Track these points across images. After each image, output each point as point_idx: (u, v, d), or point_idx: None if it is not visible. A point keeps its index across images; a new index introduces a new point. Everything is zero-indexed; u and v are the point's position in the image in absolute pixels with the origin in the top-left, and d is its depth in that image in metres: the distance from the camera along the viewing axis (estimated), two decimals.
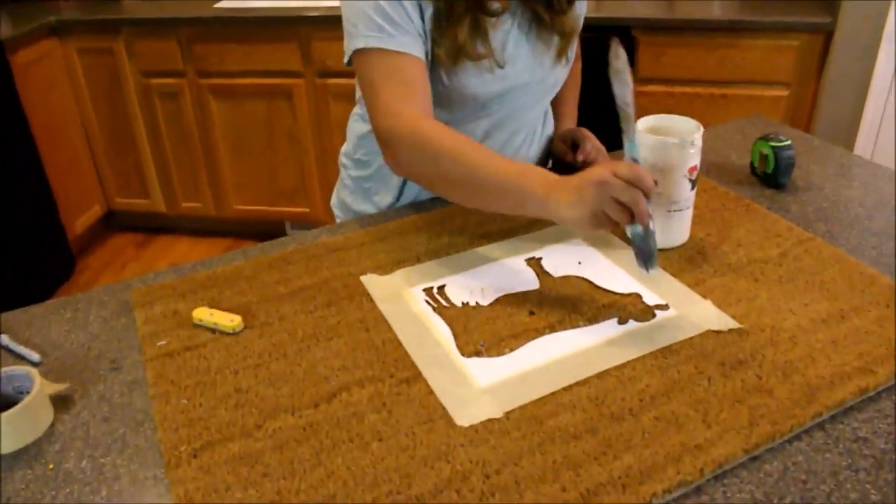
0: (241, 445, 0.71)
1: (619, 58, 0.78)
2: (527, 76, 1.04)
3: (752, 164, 1.18)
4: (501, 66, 0.99)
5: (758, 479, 0.68)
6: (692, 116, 0.97)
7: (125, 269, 2.77)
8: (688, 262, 0.96)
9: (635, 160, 0.79)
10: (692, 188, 0.95)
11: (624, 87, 0.77)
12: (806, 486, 0.67)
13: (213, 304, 0.90)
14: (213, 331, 0.85)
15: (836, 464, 0.69)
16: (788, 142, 1.11)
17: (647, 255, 0.81)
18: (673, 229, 0.97)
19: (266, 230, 2.87)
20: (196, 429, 0.73)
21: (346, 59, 0.96)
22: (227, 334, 0.85)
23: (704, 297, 0.89)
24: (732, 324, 0.84)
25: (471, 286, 0.90)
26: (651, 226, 0.78)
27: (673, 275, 0.93)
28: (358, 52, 0.93)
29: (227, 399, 0.76)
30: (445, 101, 0.99)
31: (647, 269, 0.81)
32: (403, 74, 0.90)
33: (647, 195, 0.75)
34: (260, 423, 0.73)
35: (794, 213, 1.08)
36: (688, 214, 0.96)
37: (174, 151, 2.76)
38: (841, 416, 0.74)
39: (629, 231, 0.79)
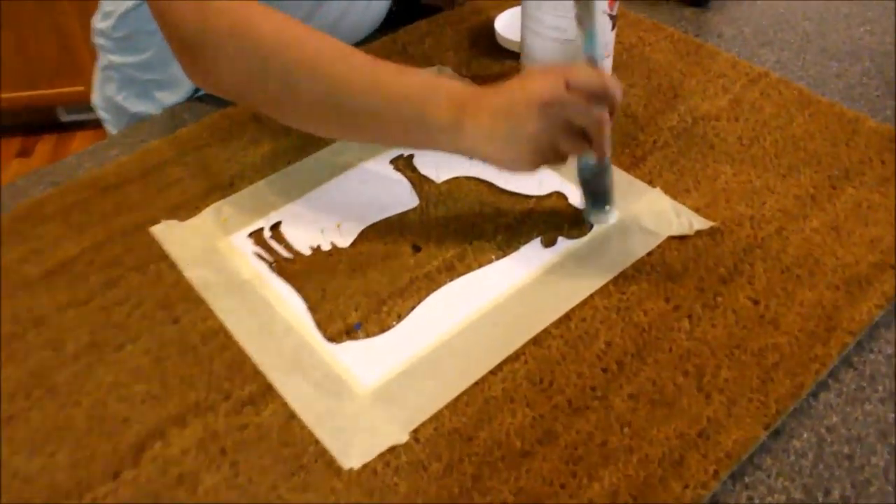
0: None
1: None
2: None
3: None
4: None
5: (789, 466, 0.53)
6: None
7: None
8: (615, 131, 0.77)
9: (593, 60, 0.60)
10: (613, 27, 0.74)
11: None
12: (853, 464, 0.53)
13: None
14: None
15: (883, 416, 0.55)
16: None
17: (600, 195, 0.67)
18: None
19: (34, 121, 2.44)
20: None
21: None
22: None
23: (651, 183, 0.73)
24: (700, 222, 0.69)
25: (319, 218, 0.70)
26: (607, 160, 0.65)
27: None
28: None
29: None
30: None
31: (598, 217, 0.68)
32: None
33: (612, 112, 0.59)
34: None
35: (730, 39, 0.93)
36: (608, 65, 0.75)
37: None
38: (867, 340, 0.60)
39: (579, 165, 0.65)
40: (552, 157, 0.61)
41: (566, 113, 0.58)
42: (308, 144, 0.78)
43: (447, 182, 0.74)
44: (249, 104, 0.75)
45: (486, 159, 0.63)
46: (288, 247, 0.68)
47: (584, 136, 0.60)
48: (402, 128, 0.63)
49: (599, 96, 0.58)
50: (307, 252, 0.67)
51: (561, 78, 0.58)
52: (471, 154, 0.63)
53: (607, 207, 0.68)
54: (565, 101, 0.58)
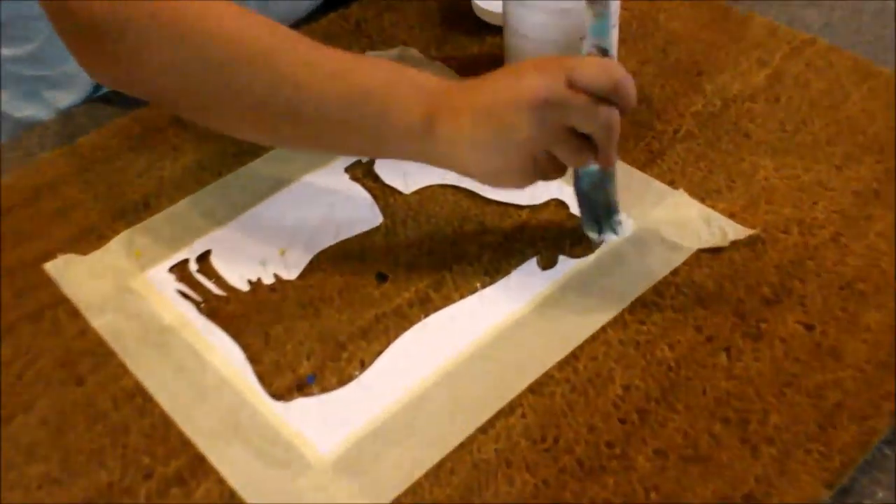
0: None
1: None
2: None
3: None
4: None
5: None
6: None
7: None
8: (627, 121, 0.79)
9: (603, 50, 0.62)
10: None
11: None
12: None
13: None
14: None
15: None
16: None
17: (603, 208, 0.68)
18: None
19: None
20: None
21: None
22: None
23: (672, 184, 0.74)
24: (736, 230, 0.70)
25: (258, 245, 0.72)
26: (612, 171, 0.67)
27: None
28: None
29: None
30: None
31: (603, 234, 0.70)
32: None
33: (623, 113, 0.59)
34: None
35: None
36: (614, 39, 0.77)
37: None
38: None
39: (577, 174, 0.67)
40: (548, 169, 0.62)
41: (567, 117, 0.58)
42: (243, 152, 0.79)
43: (417, 193, 0.75)
44: (172, 105, 0.75)
45: (464, 172, 0.63)
46: (220, 282, 0.69)
47: (587, 144, 0.60)
48: (359, 132, 0.63)
49: (609, 94, 0.58)
50: (244, 288, 0.68)
51: (561, 73, 0.58)
52: (445, 164, 0.63)
53: (617, 219, 0.69)
54: (567, 102, 0.57)
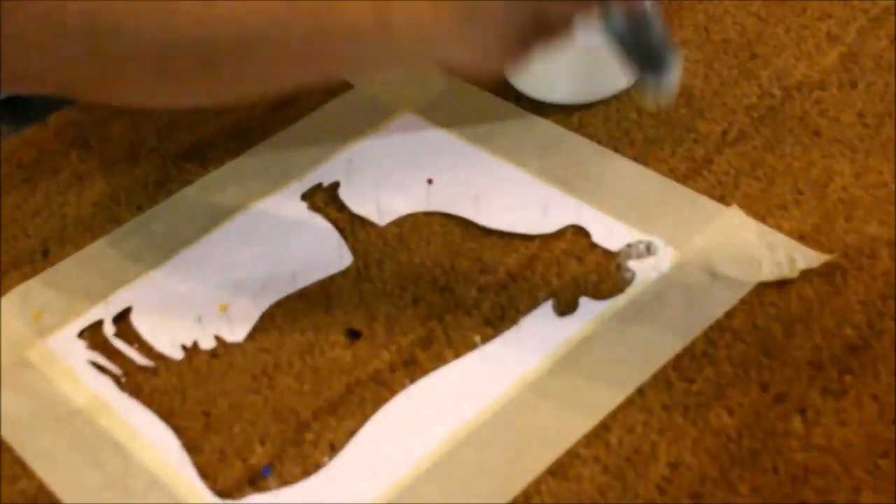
0: None
1: None
2: None
3: None
4: None
5: None
6: None
7: None
8: (663, 123, 0.81)
9: None
10: None
11: None
12: None
13: None
14: None
15: None
16: None
17: (655, 51, 0.64)
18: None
19: None
20: None
21: None
22: None
23: (723, 200, 0.75)
24: (808, 257, 0.70)
25: (193, 297, 0.73)
26: (650, 6, 0.63)
27: (634, 158, 0.80)
28: None
29: None
30: None
31: (663, 83, 0.64)
32: None
33: None
34: None
35: None
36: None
37: None
38: None
39: (602, 28, 0.63)
40: (541, 28, 0.61)
41: None
42: (168, 179, 0.80)
43: (396, 223, 0.76)
44: (38, 80, 0.74)
45: (440, 61, 0.64)
46: (145, 349, 0.70)
47: None
48: (301, 49, 0.65)
49: None
50: (177, 355, 0.69)
51: None
52: (408, 59, 0.65)
53: (671, 62, 0.65)
54: None
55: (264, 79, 0.68)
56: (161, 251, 0.75)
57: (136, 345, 0.70)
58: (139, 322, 0.71)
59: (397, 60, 0.65)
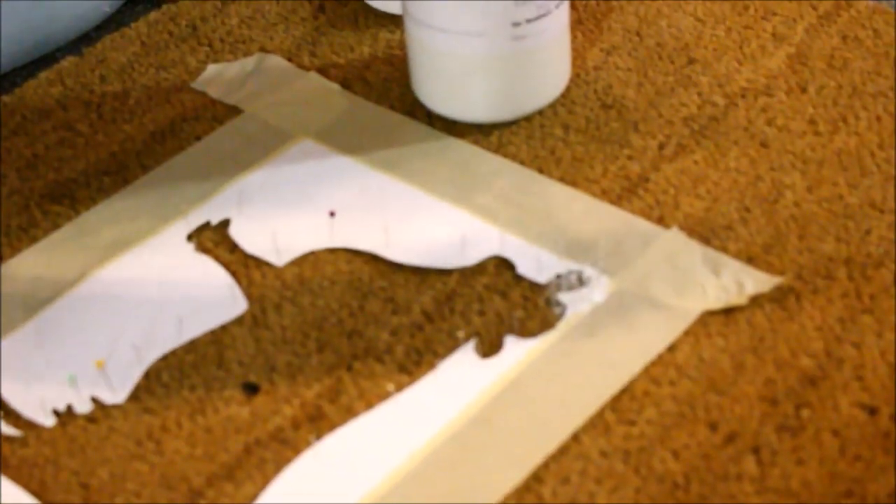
0: None
1: None
2: None
3: None
4: None
5: None
6: None
7: None
8: (592, 140, 0.82)
9: None
10: None
11: None
12: None
13: None
14: None
15: None
16: None
17: None
18: (537, 62, 0.84)
19: None
20: None
21: None
22: None
23: (662, 222, 0.76)
24: (757, 280, 0.71)
25: (63, 355, 0.72)
26: None
27: (561, 179, 0.81)
28: None
29: None
30: None
31: None
32: None
33: None
34: None
35: None
36: (563, 16, 0.81)
37: None
38: None
39: None
40: None
41: None
42: (32, 224, 0.80)
43: (296, 263, 0.76)
44: None
45: None
46: (11, 416, 0.69)
47: None
48: None
49: None
50: (47, 421, 0.68)
51: None
52: None
53: None
54: None
55: None
56: (25, 306, 0.75)
57: (1, 413, 0.69)
58: (2, 386, 0.70)
59: None
